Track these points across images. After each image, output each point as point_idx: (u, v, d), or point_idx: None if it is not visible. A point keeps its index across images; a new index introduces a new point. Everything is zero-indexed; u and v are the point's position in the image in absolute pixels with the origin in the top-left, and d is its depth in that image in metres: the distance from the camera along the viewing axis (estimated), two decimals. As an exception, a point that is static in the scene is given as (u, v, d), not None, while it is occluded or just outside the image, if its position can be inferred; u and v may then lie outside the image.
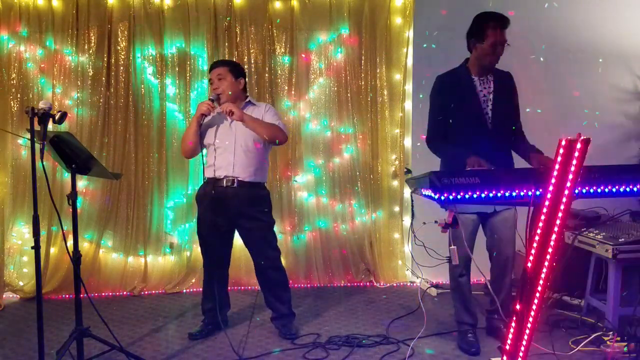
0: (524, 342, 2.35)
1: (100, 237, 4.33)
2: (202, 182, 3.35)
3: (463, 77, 3.08)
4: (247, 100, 3.38)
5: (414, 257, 4.08)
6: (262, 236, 3.33)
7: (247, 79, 4.29)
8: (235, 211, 3.26)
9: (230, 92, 3.27)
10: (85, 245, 4.26)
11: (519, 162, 3.13)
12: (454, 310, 3.32)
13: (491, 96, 3.05)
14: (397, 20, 4.48)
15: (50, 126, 2.52)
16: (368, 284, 4.54)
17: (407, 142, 4.55)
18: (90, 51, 4.28)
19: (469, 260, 3.09)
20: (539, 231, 2.24)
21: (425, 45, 4.43)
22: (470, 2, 4.35)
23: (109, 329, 2.87)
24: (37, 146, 2.38)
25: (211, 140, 3.29)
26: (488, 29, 2.95)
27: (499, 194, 2.17)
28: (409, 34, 4.47)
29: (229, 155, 3.24)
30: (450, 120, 3.07)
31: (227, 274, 3.51)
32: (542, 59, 4.34)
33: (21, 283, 4.26)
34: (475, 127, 3.02)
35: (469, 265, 3.13)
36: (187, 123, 4.34)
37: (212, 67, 3.36)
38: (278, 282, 3.41)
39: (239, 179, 3.23)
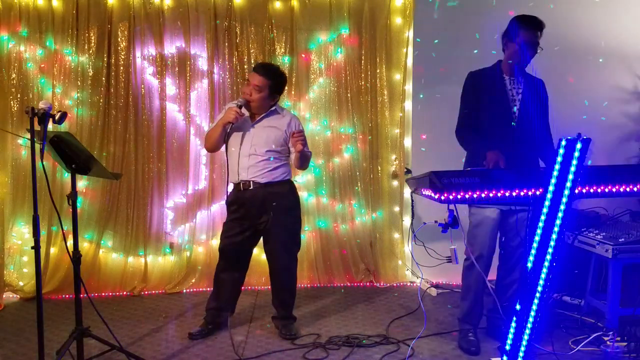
0: (524, 342, 2.35)
1: (100, 237, 4.32)
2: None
3: (494, 75, 3.15)
4: (273, 108, 3.31)
5: (414, 257, 4.08)
6: (280, 239, 3.31)
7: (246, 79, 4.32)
8: (255, 212, 3.26)
9: (259, 105, 3.25)
10: (85, 245, 4.25)
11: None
12: (459, 308, 3.33)
13: (519, 97, 3.12)
14: (397, 20, 4.48)
15: (50, 126, 2.52)
16: (368, 284, 4.54)
17: (407, 142, 4.55)
18: (90, 51, 4.27)
19: (490, 260, 3.11)
20: (539, 231, 2.24)
21: (425, 46, 4.42)
22: (470, 2, 4.36)
23: (109, 329, 2.87)
24: (37, 146, 2.38)
25: (232, 144, 3.27)
26: (520, 28, 3.02)
27: (499, 194, 2.18)
28: (409, 34, 4.47)
29: (243, 159, 3.23)
30: (478, 115, 3.13)
31: (243, 280, 3.48)
32: (541, 58, 4.34)
33: (21, 283, 4.26)
34: (500, 123, 3.08)
35: (489, 265, 3.14)
36: (187, 123, 4.35)
37: (256, 69, 3.26)
38: (287, 289, 3.43)
39: (255, 181, 3.23)
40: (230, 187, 3.36)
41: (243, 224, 3.28)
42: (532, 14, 3.09)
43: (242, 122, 3.27)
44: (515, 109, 3.10)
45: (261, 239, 3.42)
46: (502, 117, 3.08)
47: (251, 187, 3.23)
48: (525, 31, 3.00)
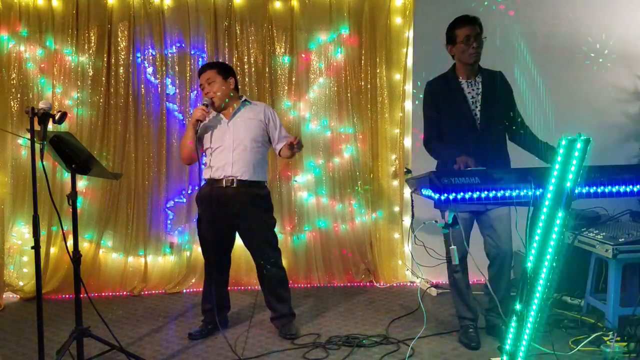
0: (524, 342, 2.35)
1: (100, 237, 4.33)
2: (202, 184, 3.35)
3: (451, 81, 3.14)
4: (243, 100, 3.37)
5: (414, 257, 4.08)
6: (263, 236, 3.33)
7: (246, 79, 4.35)
8: (235, 211, 3.26)
9: (222, 94, 3.28)
10: (85, 245, 4.26)
11: (517, 162, 3.14)
12: (454, 306, 3.36)
13: (479, 97, 3.10)
14: (397, 20, 4.48)
15: (50, 126, 2.52)
16: (368, 284, 4.54)
17: (407, 142, 4.55)
18: (90, 51, 4.28)
19: (464, 257, 3.12)
20: (539, 231, 2.24)
21: (425, 46, 4.43)
22: (470, 1, 4.36)
23: (109, 329, 2.87)
24: (37, 146, 2.38)
25: (208, 144, 3.30)
26: (455, 29, 3.05)
27: (499, 194, 2.18)
28: (409, 34, 4.47)
29: (227, 154, 3.24)
30: (443, 124, 3.13)
31: (227, 276, 3.51)
32: (541, 58, 4.34)
33: (21, 283, 4.26)
34: (464, 129, 3.08)
35: (464, 262, 3.16)
36: (187, 123, 4.35)
37: (200, 71, 3.35)
38: (279, 282, 3.40)
39: (238, 178, 3.23)
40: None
41: (222, 220, 3.28)
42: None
43: (215, 121, 3.30)
44: (476, 111, 3.08)
45: (240, 240, 3.46)
46: (465, 121, 3.07)
47: (234, 185, 3.23)
48: (460, 28, 3.02)
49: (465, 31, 3.01)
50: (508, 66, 3.25)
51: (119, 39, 4.30)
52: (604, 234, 3.49)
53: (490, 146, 3.06)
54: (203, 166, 3.33)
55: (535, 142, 3.08)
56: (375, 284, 4.52)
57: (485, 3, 4.19)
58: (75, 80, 4.28)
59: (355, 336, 3.35)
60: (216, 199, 3.24)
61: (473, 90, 3.11)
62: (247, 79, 4.37)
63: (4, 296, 4.12)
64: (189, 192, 4.40)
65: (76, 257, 2.75)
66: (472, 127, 3.07)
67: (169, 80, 4.38)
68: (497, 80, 3.15)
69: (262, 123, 3.33)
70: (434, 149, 3.17)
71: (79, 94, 4.29)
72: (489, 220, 3.13)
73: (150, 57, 4.35)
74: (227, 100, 3.31)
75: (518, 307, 2.34)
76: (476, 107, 3.09)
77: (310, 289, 4.44)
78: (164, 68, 4.34)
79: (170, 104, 4.39)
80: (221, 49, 4.37)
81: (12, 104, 4.22)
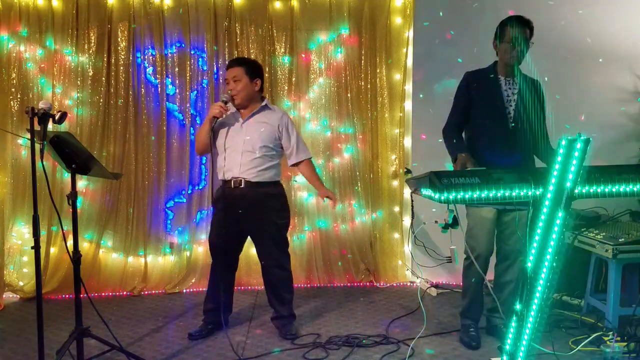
0: (524, 342, 2.35)
1: (100, 237, 4.33)
2: (219, 185, 3.36)
3: (489, 76, 3.16)
4: (264, 104, 3.33)
5: (414, 257, 4.09)
6: (269, 237, 3.32)
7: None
8: (243, 213, 3.24)
9: (245, 94, 3.25)
10: (85, 245, 4.26)
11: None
12: (462, 304, 3.34)
13: (515, 97, 3.12)
14: (397, 20, 4.48)
15: (50, 126, 2.52)
16: (368, 284, 4.54)
17: (407, 142, 4.55)
18: (90, 51, 4.28)
19: (487, 259, 3.12)
20: (539, 231, 2.24)
21: (425, 46, 4.43)
22: (470, 2, 4.36)
23: (109, 329, 2.87)
24: (37, 146, 2.38)
25: (222, 142, 3.28)
26: (506, 27, 3.06)
27: (499, 194, 2.18)
28: (409, 34, 4.47)
29: (236, 156, 3.23)
30: (472, 116, 3.16)
31: (234, 278, 3.50)
32: (541, 58, 4.33)
33: (21, 283, 4.26)
34: (496, 125, 3.09)
35: (487, 263, 3.15)
36: (187, 123, 4.35)
37: (229, 66, 3.31)
38: (282, 284, 3.40)
39: (246, 179, 3.22)
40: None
41: (231, 222, 3.27)
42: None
43: (232, 119, 3.29)
44: (510, 109, 3.10)
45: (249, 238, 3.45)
46: (497, 118, 3.09)
47: (242, 185, 3.22)
48: (512, 29, 3.02)
49: (514, 32, 3.02)
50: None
51: (119, 39, 4.30)
52: (604, 234, 3.49)
53: (519, 145, 3.07)
54: (213, 168, 3.32)
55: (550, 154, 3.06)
56: (375, 284, 4.52)
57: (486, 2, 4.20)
58: (75, 80, 4.28)
59: (355, 336, 3.35)
60: (227, 200, 3.24)
61: (510, 89, 3.13)
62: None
63: (4, 296, 4.12)
64: (189, 192, 4.40)
65: (76, 257, 2.75)
66: (504, 124, 3.09)
67: (169, 80, 4.38)
68: (535, 87, 3.17)
69: (276, 131, 3.29)
70: (448, 138, 3.19)
71: (79, 94, 4.29)
72: (507, 220, 3.13)
73: (150, 57, 4.35)
74: (246, 98, 3.27)
75: (518, 307, 2.34)
76: (510, 105, 3.11)
77: (310, 289, 4.44)
78: (164, 68, 4.34)
79: (170, 104, 4.39)
80: (221, 49, 4.37)
81: (12, 104, 4.22)
